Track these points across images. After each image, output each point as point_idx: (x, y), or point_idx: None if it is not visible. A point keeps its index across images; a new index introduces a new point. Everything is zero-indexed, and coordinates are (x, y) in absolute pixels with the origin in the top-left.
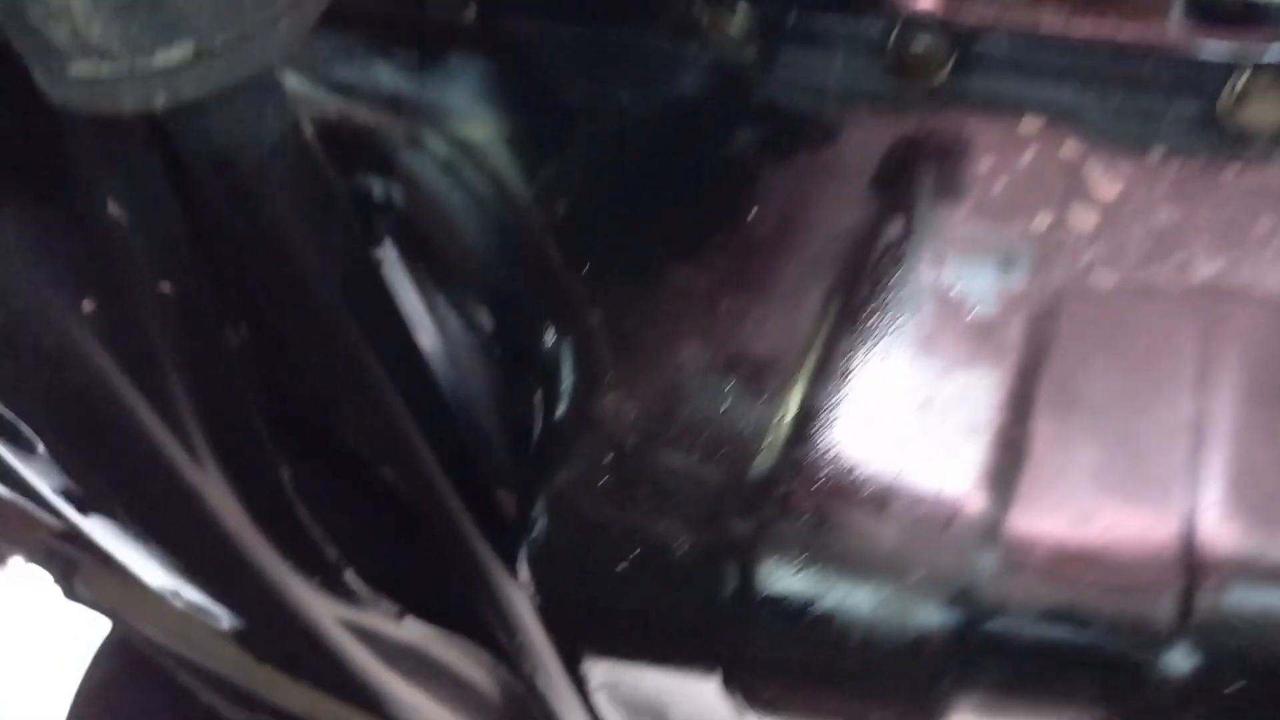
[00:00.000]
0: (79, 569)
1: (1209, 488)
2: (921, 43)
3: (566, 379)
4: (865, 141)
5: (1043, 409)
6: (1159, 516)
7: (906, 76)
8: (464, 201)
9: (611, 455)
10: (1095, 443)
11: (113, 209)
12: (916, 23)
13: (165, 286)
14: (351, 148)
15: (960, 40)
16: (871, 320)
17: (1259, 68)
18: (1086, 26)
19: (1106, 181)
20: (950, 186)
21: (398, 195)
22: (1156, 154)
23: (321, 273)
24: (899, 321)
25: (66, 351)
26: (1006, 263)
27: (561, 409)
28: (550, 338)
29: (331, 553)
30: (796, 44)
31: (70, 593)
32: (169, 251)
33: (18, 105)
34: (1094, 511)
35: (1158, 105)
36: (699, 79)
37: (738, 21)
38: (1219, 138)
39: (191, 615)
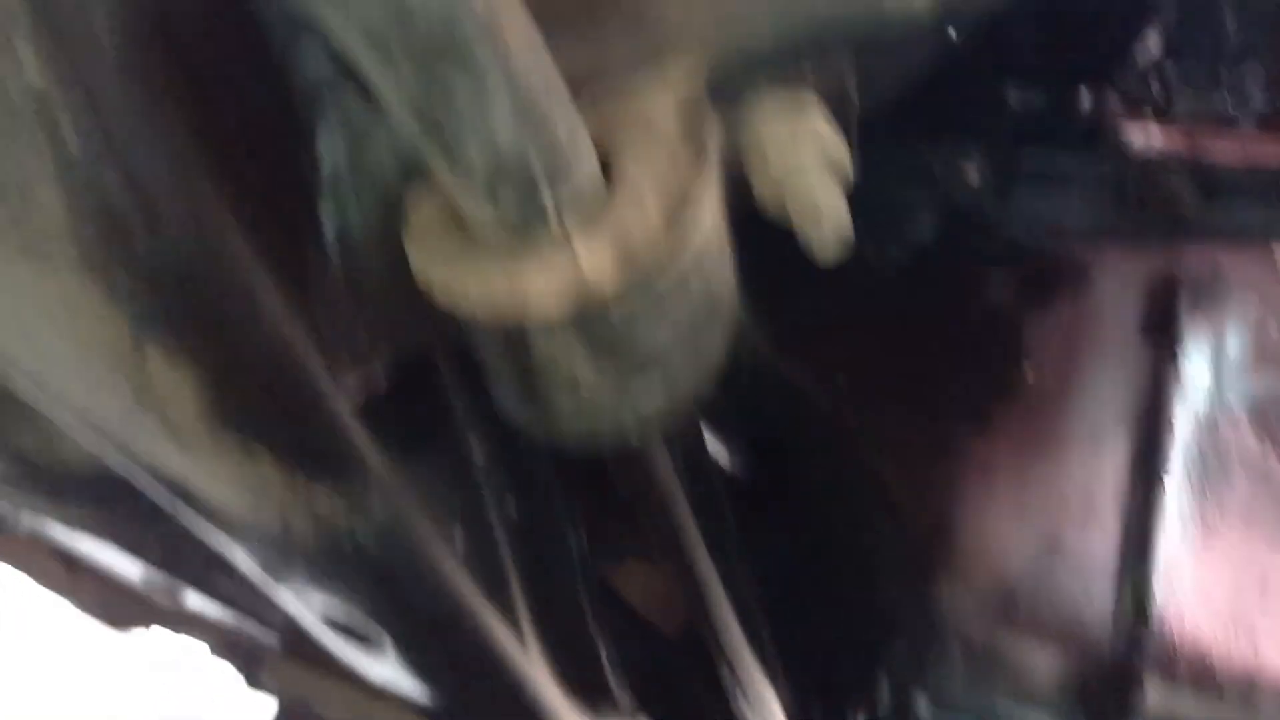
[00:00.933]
0: (264, 661)
1: None
2: (1166, 181)
3: (888, 564)
4: (1121, 282)
5: None
6: None
7: (1151, 212)
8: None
9: (961, 646)
10: None
11: (476, 451)
12: (1158, 162)
13: (513, 509)
14: None
15: (1204, 176)
16: (1185, 489)
17: None
18: None
19: None
20: (1223, 331)
21: None
22: None
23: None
24: (1214, 490)
25: (437, 574)
26: None
27: (888, 592)
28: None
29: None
30: (1032, 184)
31: (254, 682)
32: (521, 481)
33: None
34: None
35: None
36: (942, 223)
37: (970, 165)
38: None
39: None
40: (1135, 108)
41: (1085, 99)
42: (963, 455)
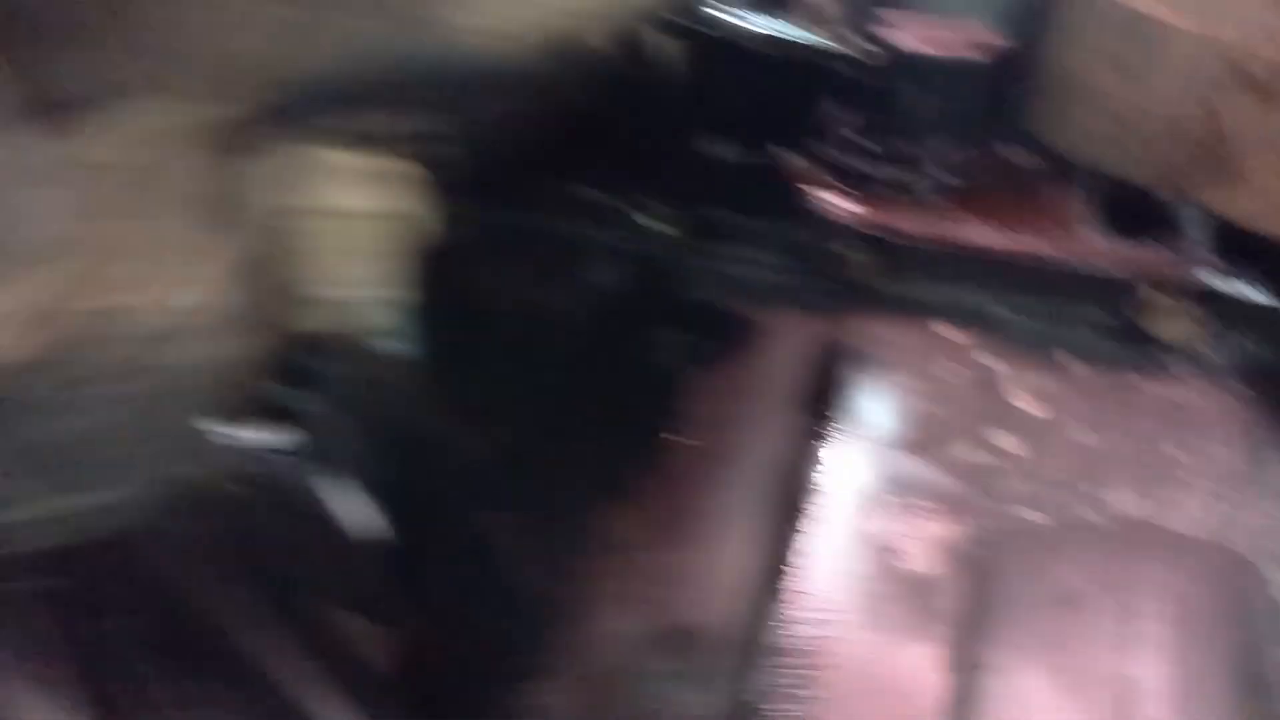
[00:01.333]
0: None
1: None
2: (853, 250)
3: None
4: (787, 349)
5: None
6: None
7: (836, 281)
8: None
9: None
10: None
11: None
12: (848, 232)
13: None
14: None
15: (888, 250)
16: (809, 584)
17: (1162, 283)
18: (1003, 239)
19: (1023, 396)
20: (865, 404)
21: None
22: (1069, 360)
23: None
24: (837, 583)
25: None
26: (937, 502)
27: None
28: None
29: None
30: (720, 241)
31: None
32: None
33: None
34: None
35: (1067, 313)
36: (624, 269)
37: (662, 215)
38: (1126, 346)
39: None
40: (828, 177)
41: (780, 162)
42: (590, 528)
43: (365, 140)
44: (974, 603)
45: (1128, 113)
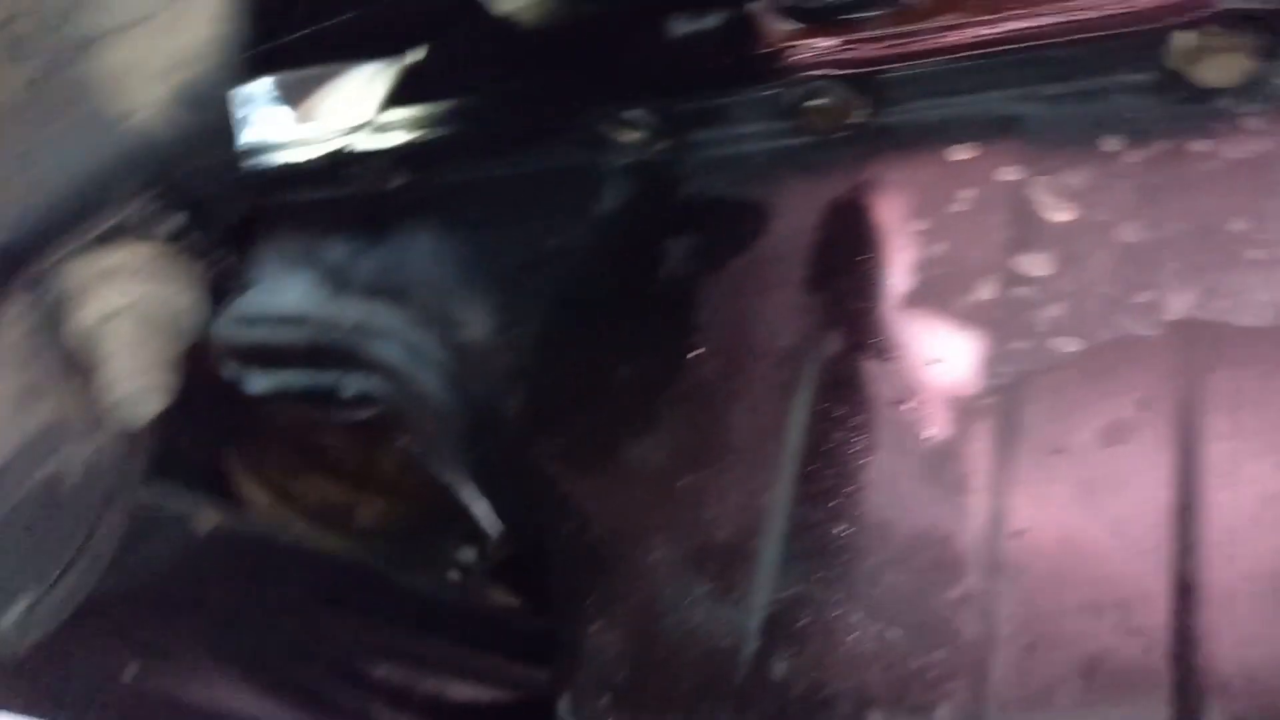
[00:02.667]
0: None
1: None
2: (825, 96)
3: (557, 588)
4: (794, 221)
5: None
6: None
7: (820, 132)
8: (438, 383)
9: (608, 696)
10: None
11: None
12: (815, 79)
13: None
14: (322, 355)
15: (864, 83)
16: (830, 478)
17: (1207, 20)
18: (999, 23)
19: (1057, 205)
20: (879, 266)
21: (376, 386)
22: (1111, 144)
23: None
24: (860, 470)
25: None
26: (957, 361)
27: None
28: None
29: None
30: (703, 127)
31: None
32: None
33: None
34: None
35: (1101, 85)
36: (621, 188)
37: (639, 123)
38: (1178, 104)
39: None
40: (795, 24)
41: (745, 25)
42: (618, 455)
43: (116, 234)
44: (1001, 461)
45: None
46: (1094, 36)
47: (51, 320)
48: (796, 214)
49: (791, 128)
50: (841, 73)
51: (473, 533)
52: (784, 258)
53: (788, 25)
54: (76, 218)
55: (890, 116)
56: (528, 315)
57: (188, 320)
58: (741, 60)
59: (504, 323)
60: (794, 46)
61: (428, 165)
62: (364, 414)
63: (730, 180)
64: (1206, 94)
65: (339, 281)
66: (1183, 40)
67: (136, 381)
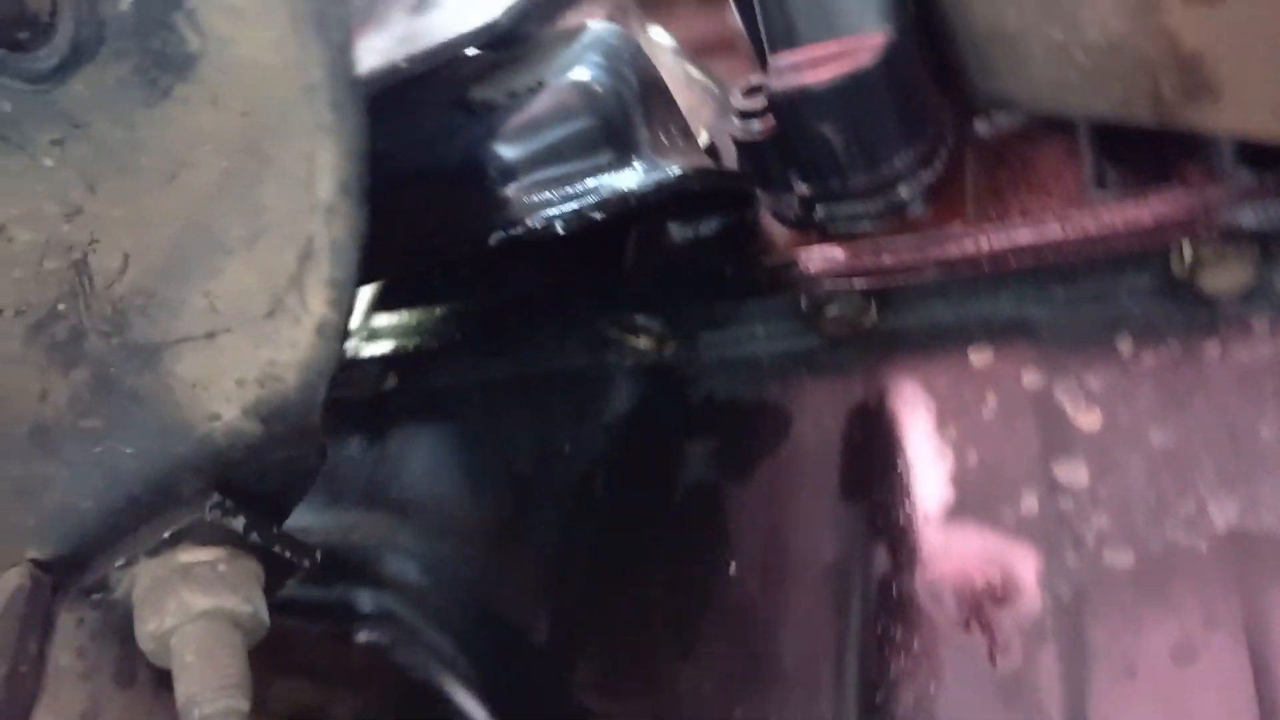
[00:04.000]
0: None
1: None
2: (837, 303)
3: None
4: (818, 425)
5: None
6: None
7: (834, 336)
8: (455, 600)
9: None
10: None
11: None
12: (842, 283)
13: None
14: (328, 569)
15: (876, 291)
16: (901, 709)
17: (1200, 230)
18: (1011, 233)
19: (1084, 409)
20: (918, 476)
21: (392, 603)
22: (1125, 346)
23: None
24: (932, 701)
25: None
26: (1013, 578)
27: None
28: None
29: None
30: (713, 329)
31: None
32: None
33: None
34: None
35: (1109, 288)
36: (632, 390)
37: (647, 327)
38: (1187, 310)
39: None
40: (800, 234)
41: (750, 235)
42: (668, 686)
43: (183, 536)
44: (1076, 687)
45: (1081, 58)
46: (1100, 245)
47: (115, 628)
48: (818, 418)
49: (803, 331)
50: (851, 280)
51: None
52: (812, 465)
53: (794, 234)
54: (140, 521)
55: (902, 320)
56: (545, 524)
57: (256, 623)
58: (749, 268)
59: (519, 533)
60: (803, 254)
61: (422, 368)
62: (383, 634)
63: (744, 382)
64: (1212, 299)
65: (338, 491)
66: (1186, 250)
67: (217, 703)
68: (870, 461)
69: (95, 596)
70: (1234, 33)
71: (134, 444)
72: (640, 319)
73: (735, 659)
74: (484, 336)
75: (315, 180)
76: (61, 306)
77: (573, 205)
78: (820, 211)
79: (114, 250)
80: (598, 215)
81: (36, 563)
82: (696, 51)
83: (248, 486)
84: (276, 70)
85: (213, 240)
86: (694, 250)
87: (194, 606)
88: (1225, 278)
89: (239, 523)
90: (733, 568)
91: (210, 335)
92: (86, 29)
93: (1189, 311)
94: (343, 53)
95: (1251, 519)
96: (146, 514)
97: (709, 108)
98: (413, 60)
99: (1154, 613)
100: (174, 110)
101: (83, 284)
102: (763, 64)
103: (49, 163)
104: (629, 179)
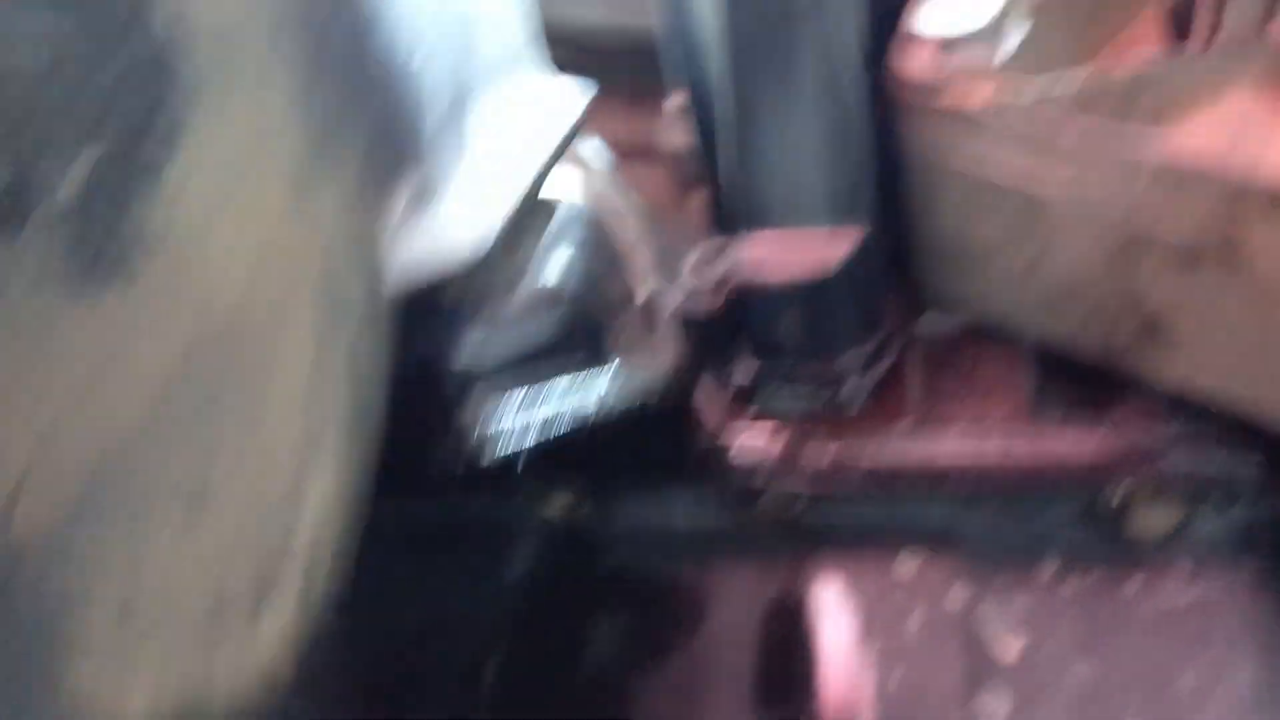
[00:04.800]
0: None
1: None
2: (785, 490)
3: None
4: (735, 612)
5: None
6: None
7: (771, 525)
8: None
9: None
10: None
11: None
12: (775, 470)
13: None
14: None
15: (822, 481)
16: None
17: (1133, 469)
18: (950, 443)
19: (1006, 634)
20: (841, 691)
21: None
22: (1049, 569)
23: None
24: None
25: None
26: None
27: None
28: None
29: None
30: (632, 499)
31: None
32: None
33: None
34: None
35: (1037, 509)
36: (536, 550)
37: (564, 484)
38: (1108, 542)
39: None
40: (736, 417)
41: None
42: None
43: None
44: None
45: (1039, 288)
46: (1036, 468)
47: None
48: (736, 604)
49: (729, 514)
50: (785, 467)
51: None
52: (728, 658)
53: (727, 408)
54: None
55: (830, 515)
56: (431, 698)
57: None
58: (678, 444)
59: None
60: (738, 441)
61: None
62: None
63: (659, 555)
64: (1138, 539)
65: None
66: (1118, 489)
67: None
68: (791, 664)
69: None
70: (1200, 301)
71: None
72: (558, 474)
73: None
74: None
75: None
76: None
77: (534, 437)
78: (764, 394)
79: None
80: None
81: None
82: (620, 155)
83: None
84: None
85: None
86: (623, 417)
87: None
88: (1152, 521)
89: None
90: None
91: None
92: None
93: (1112, 545)
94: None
95: None
96: None
97: (646, 253)
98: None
99: None
100: (101, 310)
101: None
102: (717, 221)
103: None
104: (596, 391)
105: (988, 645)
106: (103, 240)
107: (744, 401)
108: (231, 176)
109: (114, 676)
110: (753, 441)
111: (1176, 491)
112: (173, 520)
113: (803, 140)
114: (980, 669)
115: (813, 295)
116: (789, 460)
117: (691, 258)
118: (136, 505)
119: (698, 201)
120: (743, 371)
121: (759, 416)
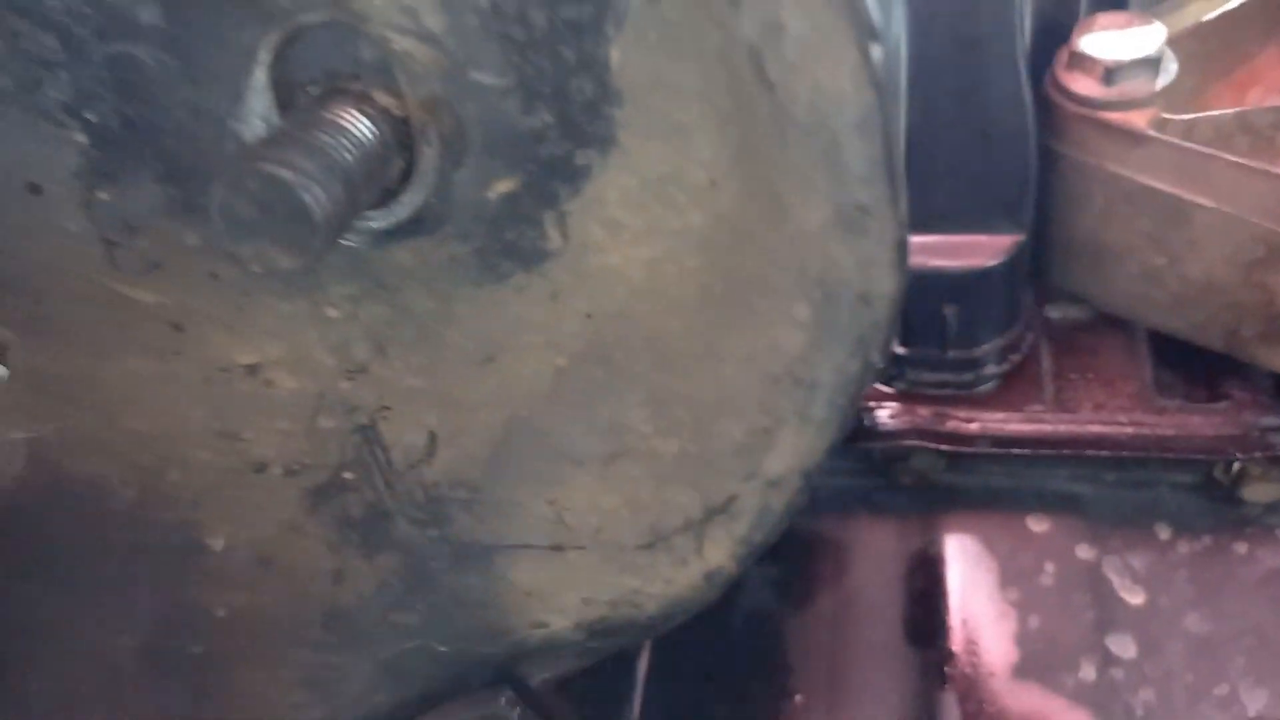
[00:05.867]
0: None
1: None
2: (915, 459)
3: None
4: (878, 565)
5: None
6: None
7: (910, 488)
8: None
9: None
10: None
11: None
12: (913, 438)
13: None
14: None
15: (957, 451)
16: None
17: (1245, 447)
18: (1075, 421)
19: (1129, 587)
20: (984, 632)
21: None
22: (1163, 533)
23: None
24: None
25: None
26: None
27: None
28: None
29: None
30: None
31: None
32: None
33: None
34: None
35: (1152, 478)
36: None
37: None
38: (1219, 508)
39: None
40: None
41: None
42: None
43: None
44: None
45: (1172, 281)
46: (1155, 443)
47: None
48: (878, 558)
49: (862, 472)
50: (923, 436)
51: None
52: (874, 604)
53: (874, 388)
54: (421, 710)
55: (961, 479)
56: None
57: None
58: None
59: None
60: (886, 409)
61: None
62: None
63: (802, 512)
64: (1248, 505)
65: None
66: (1231, 464)
67: None
68: (934, 609)
69: None
70: None
71: (449, 643)
72: None
73: None
74: None
75: (763, 454)
76: (348, 475)
77: None
78: (910, 373)
79: (413, 424)
80: None
81: None
82: None
83: (523, 674)
84: (656, 294)
85: (550, 445)
86: None
87: None
88: (1262, 491)
89: (517, 712)
90: (798, 699)
91: (558, 548)
92: (435, 206)
93: (1221, 510)
94: (868, 369)
95: (1278, 710)
96: (432, 703)
97: None
98: None
99: None
100: (501, 294)
101: (374, 454)
102: None
103: (333, 314)
104: None
105: (1114, 594)
106: (507, 244)
107: (889, 379)
108: (639, 203)
109: (551, 580)
110: (897, 413)
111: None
112: (589, 473)
113: (970, 151)
114: (1108, 616)
115: (965, 294)
116: (929, 431)
117: None
118: (548, 463)
119: None
120: (891, 354)
121: (902, 393)
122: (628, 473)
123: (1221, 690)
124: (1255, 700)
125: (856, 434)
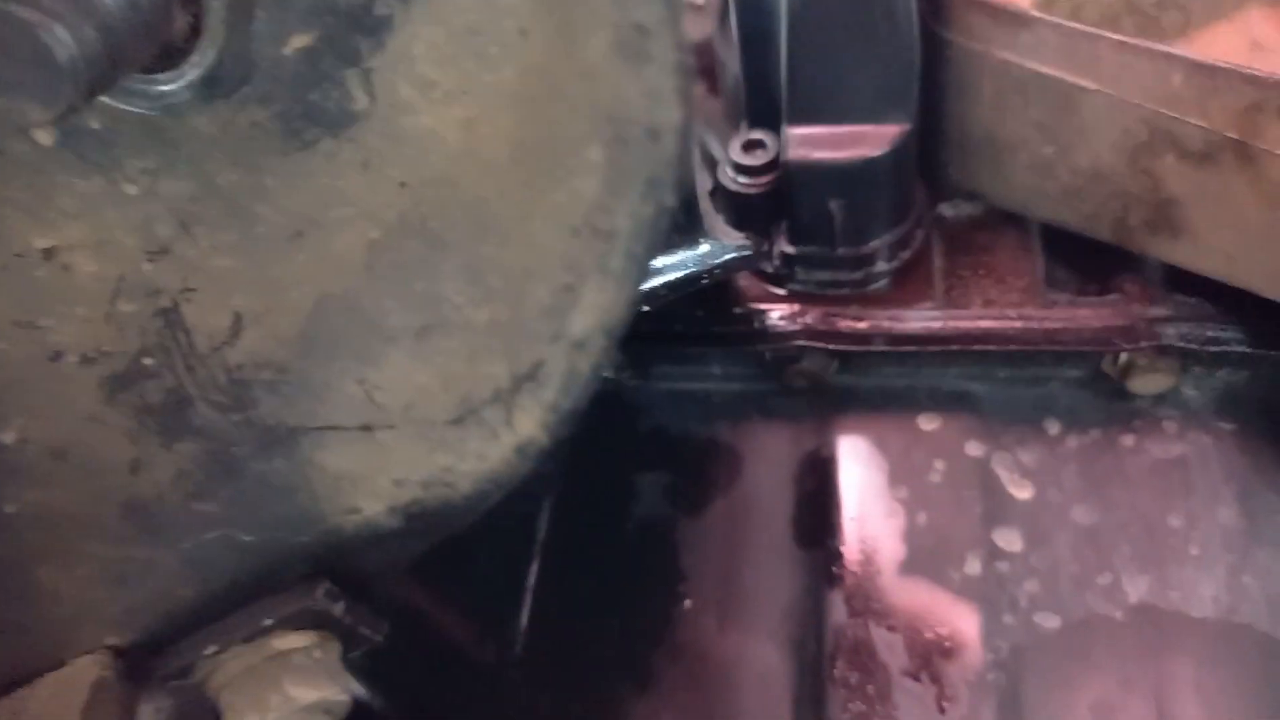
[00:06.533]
0: None
1: None
2: (806, 360)
3: None
4: (770, 468)
5: None
6: None
7: (800, 389)
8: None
9: None
10: None
11: None
12: (803, 339)
13: None
14: None
15: (847, 350)
16: None
17: (1134, 338)
18: (965, 317)
19: (1018, 482)
20: (872, 531)
21: None
22: (1053, 428)
23: None
24: None
25: None
26: (958, 634)
27: None
28: None
29: None
30: (669, 364)
31: None
32: None
33: None
34: None
35: (1044, 374)
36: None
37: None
38: (1108, 402)
39: None
40: (771, 289)
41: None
42: None
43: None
44: None
45: (1062, 172)
46: (1045, 337)
47: (190, 715)
48: (770, 461)
49: (761, 379)
50: (813, 336)
51: None
52: (765, 507)
53: (764, 287)
54: (233, 605)
55: (855, 379)
56: (490, 552)
57: (344, 709)
58: (717, 313)
59: (462, 560)
60: (776, 311)
61: None
62: None
63: (695, 418)
64: (1136, 398)
65: None
66: (1122, 355)
67: None
68: (824, 509)
69: (173, 684)
70: (1212, 192)
71: (255, 532)
72: None
73: (692, 697)
74: None
75: (567, 313)
76: (148, 361)
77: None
78: (800, 273)
79: (218, 305)
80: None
81: (114, 649)
82: None
83: (349, 569)
84: (472, 157)
85: (362, 322)
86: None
87: (298, 700)
88: (1149, 383)
89: (339, 607)
90: (687, 603)
91: (366, 428)
92: (228, 65)
93: (1109, 404)
94: (661, 213)
95: (1159, 596)
96: (243, 599)
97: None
98: None
99: (1077, 673)
100: (310, 163)
101: (176, 338)
102: (749, 115)
103: (131, 190)
104: (705, 254)
105: (1003, 489)
106: (310, 106)
107: (779, 280)
108: (449, 58)
109: (361, 461)
110: (787, 314)
111: (1171, 358)
112: (401, 349)
113: (853, 40)
114: (995, 512)
115: (852, 187)
116: (819, 331)
117: (735, 145)
118: (359, 340)
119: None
120: (780, 252)
121: (794, 293)
122: (440, 346)
123: (1105, 579)
124: (1137, 587)
125: (749, 336)
